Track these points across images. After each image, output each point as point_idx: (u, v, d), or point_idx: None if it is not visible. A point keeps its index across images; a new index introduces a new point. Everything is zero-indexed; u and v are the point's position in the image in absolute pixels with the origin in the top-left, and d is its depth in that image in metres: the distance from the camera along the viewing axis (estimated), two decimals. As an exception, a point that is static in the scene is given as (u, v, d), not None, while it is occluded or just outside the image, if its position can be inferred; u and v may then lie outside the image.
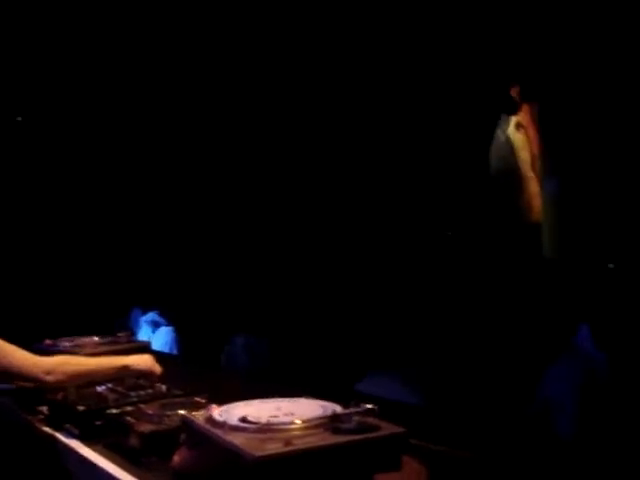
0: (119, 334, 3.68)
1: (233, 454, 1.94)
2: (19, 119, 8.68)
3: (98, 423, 2.73)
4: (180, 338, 7.53)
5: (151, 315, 7.72)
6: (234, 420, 2.08)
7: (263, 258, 8.45)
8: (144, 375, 3.08)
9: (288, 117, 8.79)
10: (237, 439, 1.97)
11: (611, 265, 9.18)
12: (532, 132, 10.61)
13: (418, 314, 7.32)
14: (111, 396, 2.86)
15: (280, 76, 8.75)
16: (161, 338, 7.41)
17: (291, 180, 8.83)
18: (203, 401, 2.62)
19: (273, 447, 1.91)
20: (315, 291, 8.17)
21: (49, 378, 2.97)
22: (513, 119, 10.59)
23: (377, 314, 7.50)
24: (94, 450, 2.65)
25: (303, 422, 2.03)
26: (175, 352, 7.30)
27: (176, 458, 2.22)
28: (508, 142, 10.81)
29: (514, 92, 10.10)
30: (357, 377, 5.37)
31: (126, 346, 3.51)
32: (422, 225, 8.96)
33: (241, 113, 8.93)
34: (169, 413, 2.56)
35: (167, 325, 7.64)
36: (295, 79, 8.72)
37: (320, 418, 2.04)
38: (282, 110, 8.76)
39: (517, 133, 10.73)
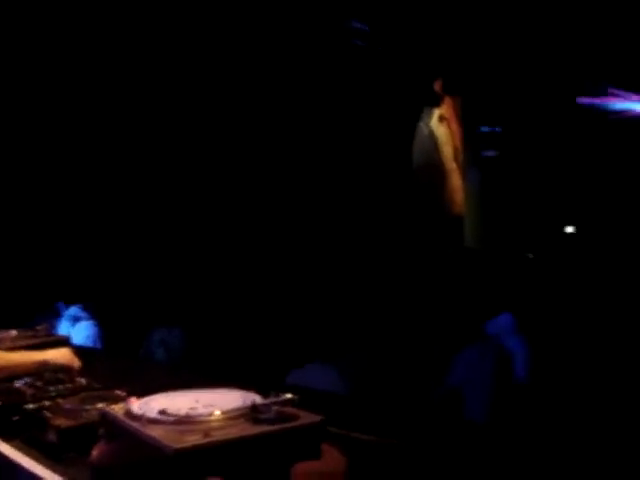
0: (37, 328, 3.61)
1: (152, 447, 1.92)
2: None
3: (15, 418, 2.67)
4: (103, 332, 7.44)
5: (73, 309, 7.60)
6: (153, 413, 2.06)
7: (186, 250, 8.41)
8: (63, 369, 3.03)
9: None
10: (156, 432, 1.96)
11: (530, 255, 9.40)
12: (455, 125, 10.79)
13: (344, 306, 7.35)
14: (29, 391, 2.81)
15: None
16: (82, 332, 7.30)
17: (200, 174, 8.83)
18: (123, 394, 2.59)
19: (192, 439, 1.91)
20: (243, 285, 8.16)
21: (-36, 373, 2.90)
22: (436, 112, 10.75)
23: (303, 307, 7.52)
24: (12, 446, 2.60)
25: (222, 413, 2.03)
26: (98, 346, 7.21)
27: (95, 452, 2.19)
28: (431, 135, 10.96)
29: (437, 85, 10.25)
30: (286, 369, 5.39)
31: (44, 340, 3.43)
32: (344, 216, 9.01)
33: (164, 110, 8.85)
34: (88, 407, 2.52)
35: (89, 319, 7.53)
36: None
37: (239, 409, 2.04)
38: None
39: (440, 126, 10.89)
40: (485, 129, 10.14)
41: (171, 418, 2.03)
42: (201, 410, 2.06)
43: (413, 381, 5.28)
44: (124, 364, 3.97)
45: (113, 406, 2.21)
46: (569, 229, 10.25)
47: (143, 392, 2.29)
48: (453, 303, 6.81)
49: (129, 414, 2.10)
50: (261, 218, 8.68)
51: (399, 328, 6.60)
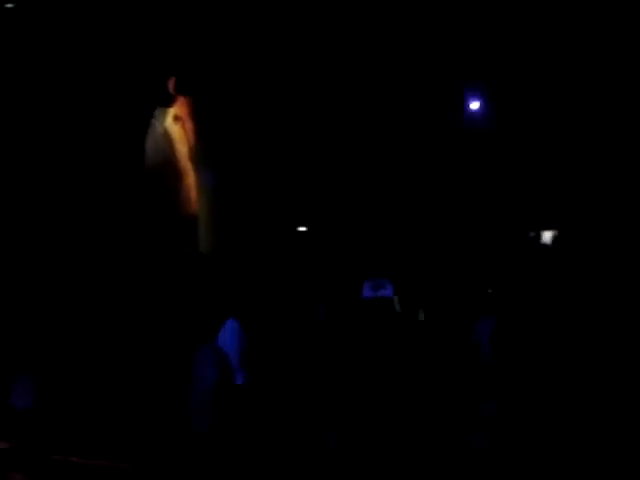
0: None
1: None
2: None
3: None
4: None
5: None
6: None
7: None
8: None
9: None
10: None
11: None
12: (189, 125, 10.70)
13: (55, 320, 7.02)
14: None
15: None
16: None
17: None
18: None
19: None
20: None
21: None
22: (170, 111, 10.61)
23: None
24: None
25: None
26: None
27: None
28: (166, 134, 10.81)
29: (170, 85, 10.11)
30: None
31: None
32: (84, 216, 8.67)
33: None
34: None
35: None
36: None
37: None
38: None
39: (175, 125, 10.76)
40: (221, 129, 10.15)
41: None
42: None
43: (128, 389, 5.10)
44: None
45: None
46: (301, 228, 10.55)
47: None
48: (184, 305, 6.71)
49: None
50: None
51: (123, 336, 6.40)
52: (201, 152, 10.08)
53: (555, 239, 8.02)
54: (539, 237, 8.44)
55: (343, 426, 4.14)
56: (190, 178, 10.61)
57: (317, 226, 10.21)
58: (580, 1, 8.80)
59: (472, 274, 7.80)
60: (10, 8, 8.21)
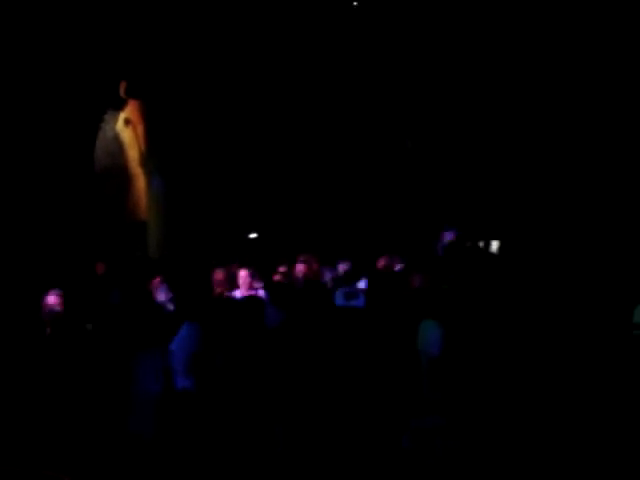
0: None
1: None
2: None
3: None
4: None
5: None
6: None
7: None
8: None
9: None
10: None
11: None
12: (140, 128, 10.61)
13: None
14: None
15: None
16: None
17: None
18: None
19: None
20: None
21: None
22: (121, 115, 10.50)
23: None
24: None
25: None
26: None
27: None
28: (117, 138, 10.70)
29: (121, 88, 10.01)
30: None
31: None
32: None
33: None
34: None
35: None
36: None
37: None
38: None
39: (125, 129, 10.65)
40: (171, 135, 10.09)
41: None
42: None
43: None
44: None
45: None
46: (252, 235, 10.52)
47: None
48: (131, 309, 6.63)
49: None
50: None
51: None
52: (152, 156, 10.01)
53: (500, 248, 8.12)
54: (488, 246, 8.54)
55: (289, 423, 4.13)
56: (140, 183, 10.52)
57: (268, 233, 10.20)
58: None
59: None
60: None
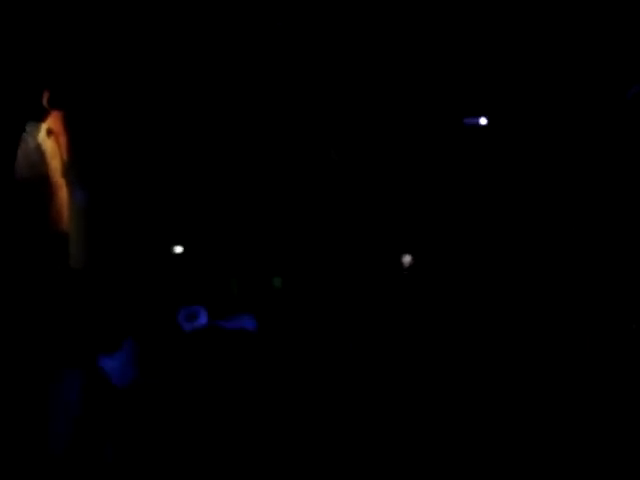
0: None
1: None
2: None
3: None
4: None
5: None
6: None
7: None
8: None
9: None
10: None
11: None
12: (63, 139, 10.48)
13: None
14: None
15: None
16: None
17: None
18: None
19: None
20: None
21: None
22: (44, 125, 10.36)
23: None
24: None
25: None
26: None
27: None
28: (39, 149, 10.54)
29: (44, 98, 9.89)
30: None
31: None
32: None
33: None
34: None
35: None
36: None
37: None
38: None
39: (47, 140, 10.51)
40: (93, 145, 9.99)
41: None
42: None
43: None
44: None
45: None
46: (178, 249, 10.45)
47: None
48: (52, 323, 6.56)
49: None
50: None
51: None
52: (73, 167, 9.89)
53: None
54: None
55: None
56: (62, 194, 10.37)
57: (194, 246, 10.15)
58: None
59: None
60: None
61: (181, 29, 9.47)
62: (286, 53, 9.75)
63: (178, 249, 10.94)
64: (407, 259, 8.07)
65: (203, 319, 4.49)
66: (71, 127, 9.89)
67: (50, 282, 8.59)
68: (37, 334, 6.16)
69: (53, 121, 10.21)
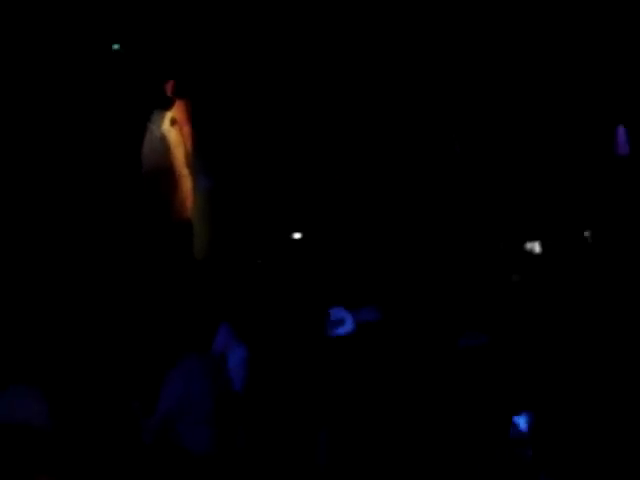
0: None
1: None
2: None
3: None
4: None
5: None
6: None
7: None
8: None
9: None
10: None
11: (260, 261, 9.46)
12: (187, 129, 10.58)
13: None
14: None
15: None
16: None
17: None
18: None
19: None
20: None
21: None
22: (168, 115, 10.49)
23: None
24: None
25: None
26: None
27: None
28: (163, 139, 10.69)
29: (168, 87, 10.01)
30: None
31: None
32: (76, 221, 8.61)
33: None
34: None
35: None
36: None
37: None
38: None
39: (172, 130, 10.64)
40: (218, 135, 10.08)
41: None
42: None
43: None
44: None
45: None
46: (296, 235, 10.45)
47: None
48: (180, 312, 6.61)
49: None
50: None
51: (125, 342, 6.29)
52: (198, 157, 9.99)
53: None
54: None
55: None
56: (186, 184, 10.50)
57: (313, 233, 10.14)
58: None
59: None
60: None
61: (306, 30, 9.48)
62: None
63: (297, 235, 10.95)
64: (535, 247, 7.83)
65: (349, 325, 4.39)
66: (196, 117, 10.00)
67: (175, 271, 8.70)
68: (163, 322, 6.21)
69: (177, 111, 10.33)
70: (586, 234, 8.33)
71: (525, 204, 9.19)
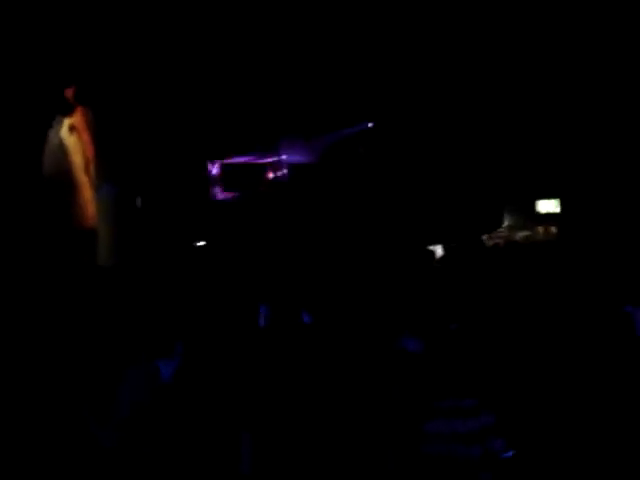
0: None
1: None
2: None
3: None
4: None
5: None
6: None
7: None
8: None
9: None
10: None
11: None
12: (86, 136, 10.41)
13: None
14: None
15: None
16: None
17: None
18: None
19: None
20: None
21: None
22: (66, 121, 10.30)
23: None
24: None
25: None
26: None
27: None
28: (61, 145, 10.47)
29: (69, 94, 9.83)
30: None
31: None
32: None
33: None
34: None
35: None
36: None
37: None
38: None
39: (70, 136, 10.44)
40: (119, 141, 9.98)
41: None
42: None
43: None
44: None
45: None
46: (201, 243, 10.45)
47: None
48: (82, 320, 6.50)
49: None
50: None
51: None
52: (100, 164, 9.88)
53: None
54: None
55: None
56: (86, 191, 10.32)
57: (219, 240, 10.18)
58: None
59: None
60: None
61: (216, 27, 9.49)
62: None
63: (200, 243, 10.93)
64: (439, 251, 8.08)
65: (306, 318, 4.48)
66: (97, 123, 9.86)
67: (77, 279, 8.56)
68: (66, 333, 6.10)
69: (77, 117, 10.16)
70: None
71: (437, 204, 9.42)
